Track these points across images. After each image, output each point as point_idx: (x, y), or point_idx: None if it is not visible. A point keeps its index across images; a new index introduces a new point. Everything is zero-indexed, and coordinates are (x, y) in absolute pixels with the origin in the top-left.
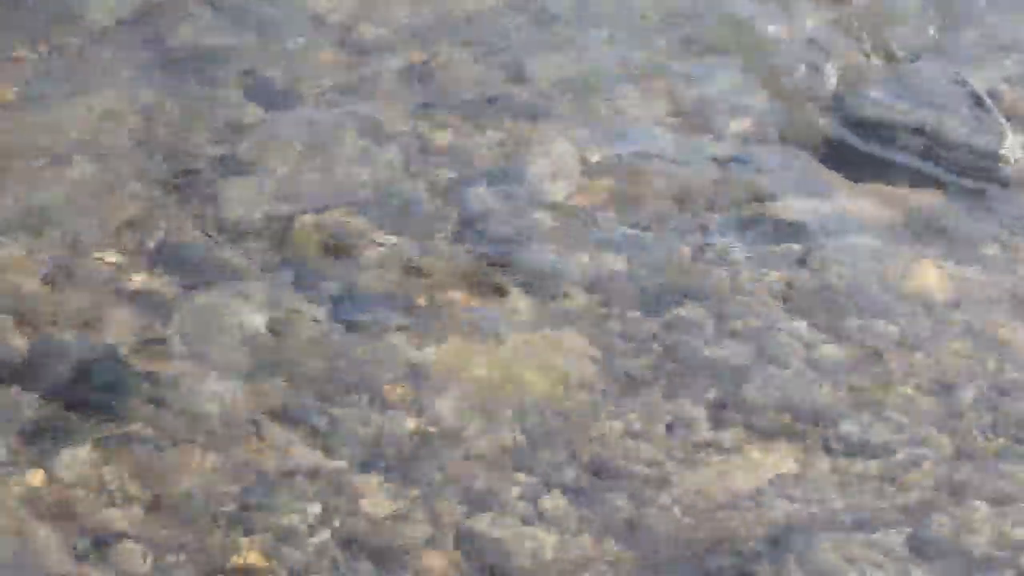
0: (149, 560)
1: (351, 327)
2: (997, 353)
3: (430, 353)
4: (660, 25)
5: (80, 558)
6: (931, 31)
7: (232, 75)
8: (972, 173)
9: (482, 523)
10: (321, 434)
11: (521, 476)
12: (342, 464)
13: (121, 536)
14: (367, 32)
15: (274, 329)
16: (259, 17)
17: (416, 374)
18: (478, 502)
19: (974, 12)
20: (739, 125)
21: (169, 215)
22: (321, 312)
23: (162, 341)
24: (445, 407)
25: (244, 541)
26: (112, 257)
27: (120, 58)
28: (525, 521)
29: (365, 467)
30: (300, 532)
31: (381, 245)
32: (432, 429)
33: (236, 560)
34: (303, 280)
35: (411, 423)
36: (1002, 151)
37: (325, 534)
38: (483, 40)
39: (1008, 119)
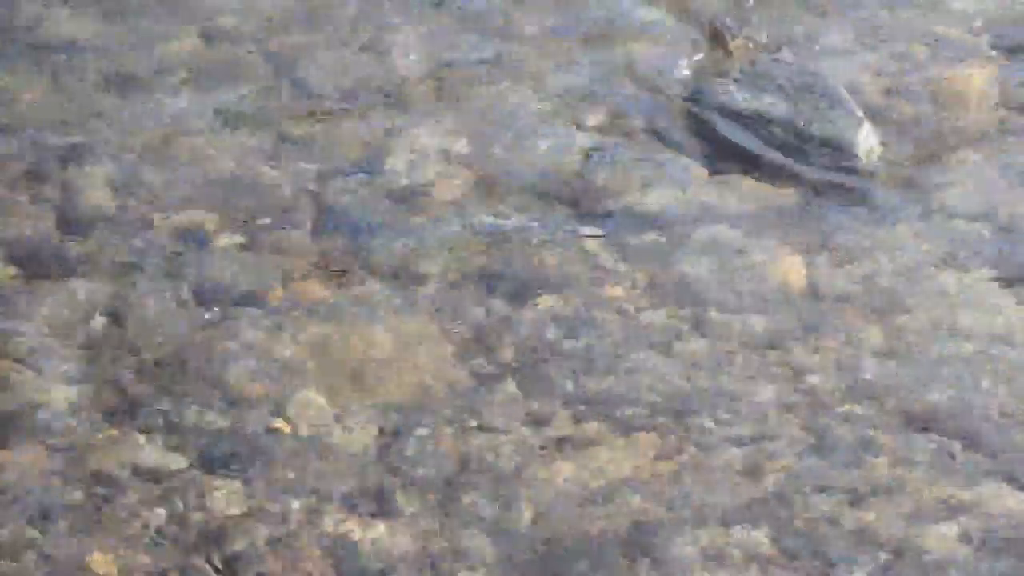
0: None
1: (204, 320)
2: (855, 346)
3: (286, 347)
4: (525, 13)
5: None
6: (794, 23)
7: (89, 63)
8: (830, 165)
9: (338, 522)
10: (170, 432)
11: (378, 472)
12: (191, 463)
13: None
14: (227, 21)
15: (124, 323)
16: (117, 5)
17: (271, 368)
18: (334, 500)
19: (838, 5)
20: (601, 116)
21: (18, 206)
22: (174, 305)
23: (4, 335)
24: (301, 402)
25: (89, 542)
26: None
27: None
28: (379, 518)
29: (216, 465)
30: (147, 535)
31: (237, 236)
32: (287, 425)
33: (82, 565)
34: (155, 272)
35: (266, 419)
36: (859, 144)
37: (173, 536)
38: (345, 29)
39: (866, 112)
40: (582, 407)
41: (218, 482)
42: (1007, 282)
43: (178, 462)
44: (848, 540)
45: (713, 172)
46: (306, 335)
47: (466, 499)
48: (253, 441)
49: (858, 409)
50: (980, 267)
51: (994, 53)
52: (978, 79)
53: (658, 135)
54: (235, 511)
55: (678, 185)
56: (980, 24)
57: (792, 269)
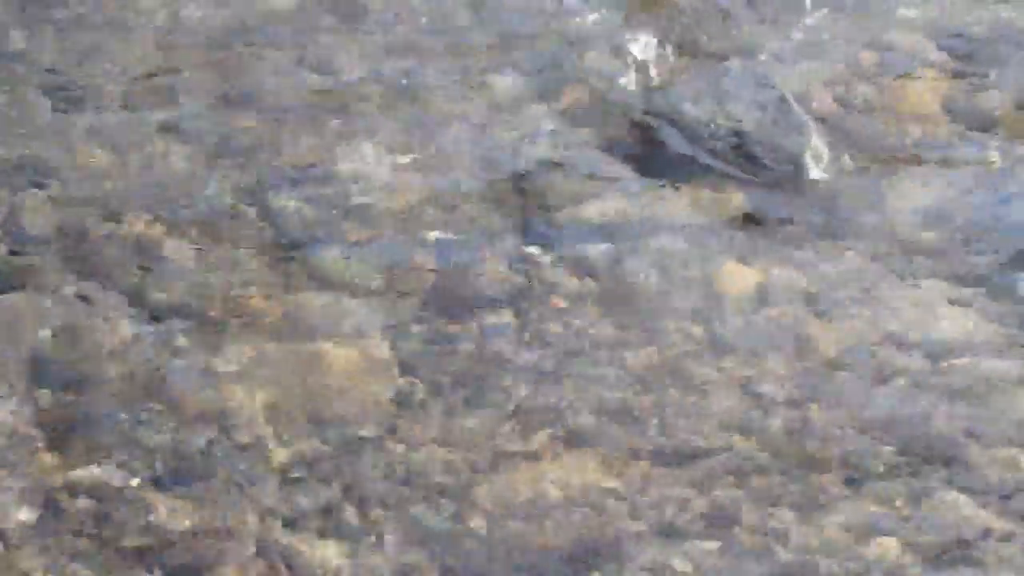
0: None
1: (147, 334)
2: (804, 356)
3: (229, 360)
4: (471, 22)
5: None
6: (743, 31)
7: (32, 75)
8: (777, 174)
9: (283, 537)
10: (116, 448)
11: (322, 487)
12: (137, 479)
13: None
14: (171, 31)
15: (67, 339)
16: (59, 17)
17: (216, 383)
18: (279, 515)
19: (787, 13)
20: (549, 125)
21: None
22: (117, 319)
23: None
24: (244, 416)
25: (36, 563)
26: None
27: None
28: (326, 534)
29: (161, 482)
30: (91, 551)
31: (180, 248)
32: (231, 439)
33: None
34: (99, 287)
35: (209, 433)
36: (806, 152)
37: (119, 553)
38: (290, 38)
39: (814, 120)
40: (530, 420)
41: (164, 498)
42: (957, 292)
43: (123, 479)
44: (797, 552)
45: (661, 181)
46: (251, 348)
47: (413, 514)
48: (198, 457)
49: (808, 419)
50: (929, 277)
51: (943, 61)
52: (927, 87)
53: (606, 144)
54: (181, 527)
55: (626, 195)
56: (929, 32)
57: (740, 279)
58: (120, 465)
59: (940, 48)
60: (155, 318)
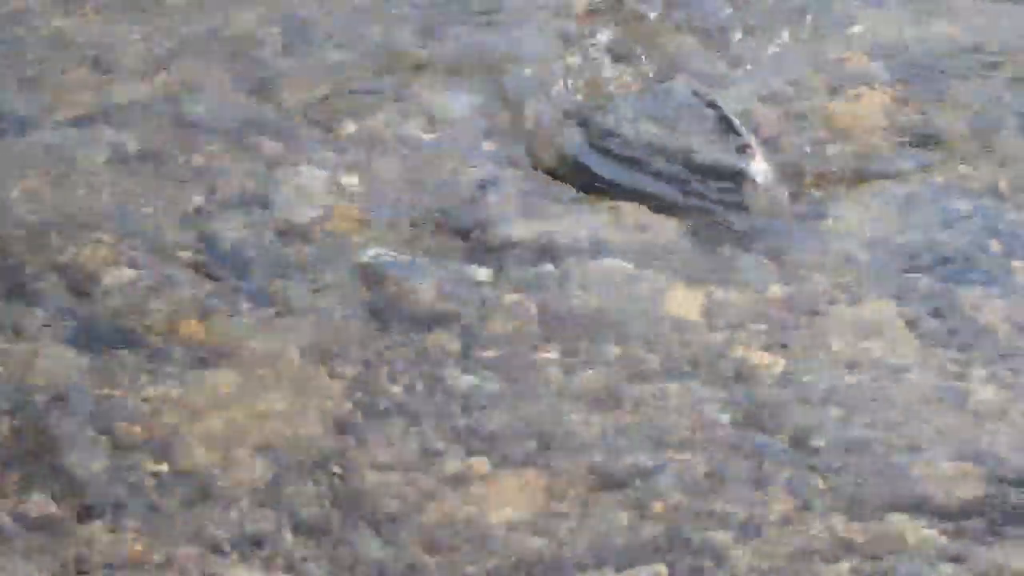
0: None
1: (85, 362)
2: (749, 379)
3: (170, 388)
4: (405, 44)
5: None
6: (686, 49)
7: None
8: (720, 194)
9: (223, 568)
10: (51, 479)
11: (266, 514)
12: (74, 510)
13: None
14: (115, 55)
15: (3, 365)
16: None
17: (154, 411)
18: (221, 545)
19: (731, 30)
20: (489, 147)
21: None
22: (54, 345)
23: None
24: (184, 445)
25: None
26: None
27: None
28: (270, 564)
29: (99, 512)
30: None
31: (122, 274)
32: (171, 469)
33: None
34: (38, 312)
35: (149, 464)
36: (750, 173)
37: None
38: (233, 61)
39: (758, 141)
40: (472, 444)
41: (101, 530)
42: (902, 312)
43: (60, 510)
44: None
45: (604, 203)
46: (189, 375)
47: (354, 540)
48: (136, 487)
49: (753, 442)
50: (875, 298)
51: (889, 78)
52: (872, 105)
53: (548, 166)
54: (119, 559)
55: (568, 216)
56: (875, 50)
57: (685, 301)
58: (56, 496)
59: (885, 66)
60: (94, 344)
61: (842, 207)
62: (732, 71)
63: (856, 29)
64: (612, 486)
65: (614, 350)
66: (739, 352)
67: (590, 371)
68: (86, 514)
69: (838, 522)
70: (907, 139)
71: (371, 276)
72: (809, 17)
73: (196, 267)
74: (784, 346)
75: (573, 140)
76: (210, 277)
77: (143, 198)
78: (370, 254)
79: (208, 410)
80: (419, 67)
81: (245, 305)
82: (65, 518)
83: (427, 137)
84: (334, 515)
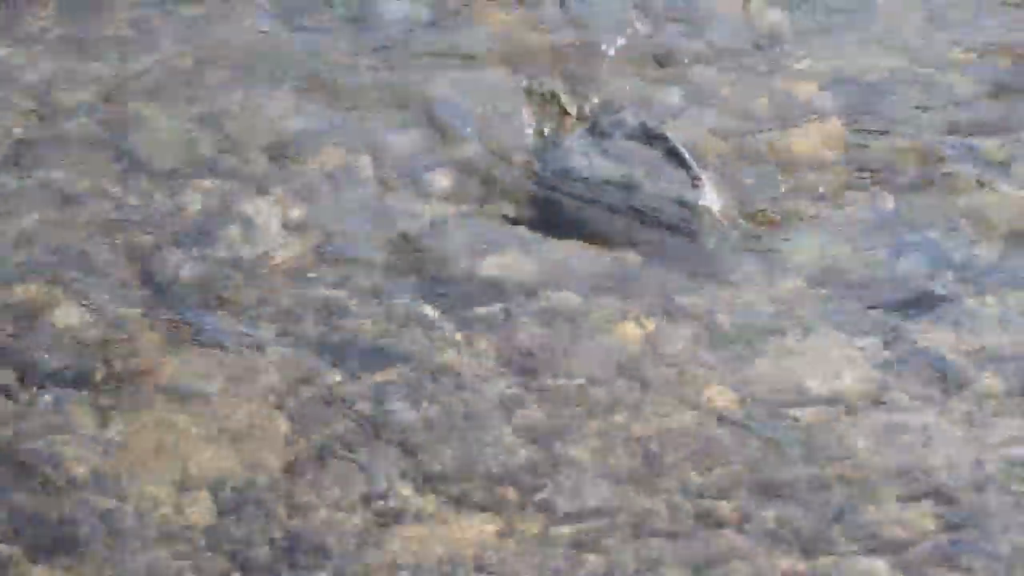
0: None
1: (34, 401)
2: (698, 410)
3: (117, 427)
4: (356, 82)
5: None
6: (635, 83)
7: None
8: (670, 226)
9: None
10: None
11: (212, 554)
12: (23, 550)
13: None
14: (59, 93)
15: None
16: None
17: (103, 451)
18: None
19: (679, 63)
20: (443, 182)
21: None
22: (3, 385)
23: None
24: (133, 485)
25: None
26: None
27: None
28: None
29: (48, 552)
30: None
31: (70, 314)
32: (119, 509)
33: None
34: None
35: (98, 503)
36: (699, 203)
37: None
38: (180, 98)
39: (706, 171)
40: (421, 481)
41: (51, 570)
42: (851, 341)
43: (10, 550)
44: None
45: (555, 237)
46: (138, 414)
47: None
48: (85, 526)
49: (701, 476)
50: (823, 327)
51: (837, 109)
52: (821, 136)
53: (499, 201)
54: None
55: (519, 252)
56: (823, 80)
57: (633, 333)
58: (6, 537)
59: (834, 97)
60: (42, 384)
61: (790, 237)
62: (680, 103)
63: (804, 62)
64: (561, 522)
65: (561, 384)
66: (689, 384)
67: (538, 407)
68: (36, 554)
69: (787, 556)
70: (856, 170)
71: (320, 312)
72: (760, 49)
73: (145, 304)
74: (735, 377)
75: (525, 174)
76: (160, 315)
77: (90, 238)
78: (319, 290)
79: (157, 449)
80: (369, 101)
81: (193, 343)
82: (14, 558)
83: (379, 172)
84: (282, 554)
